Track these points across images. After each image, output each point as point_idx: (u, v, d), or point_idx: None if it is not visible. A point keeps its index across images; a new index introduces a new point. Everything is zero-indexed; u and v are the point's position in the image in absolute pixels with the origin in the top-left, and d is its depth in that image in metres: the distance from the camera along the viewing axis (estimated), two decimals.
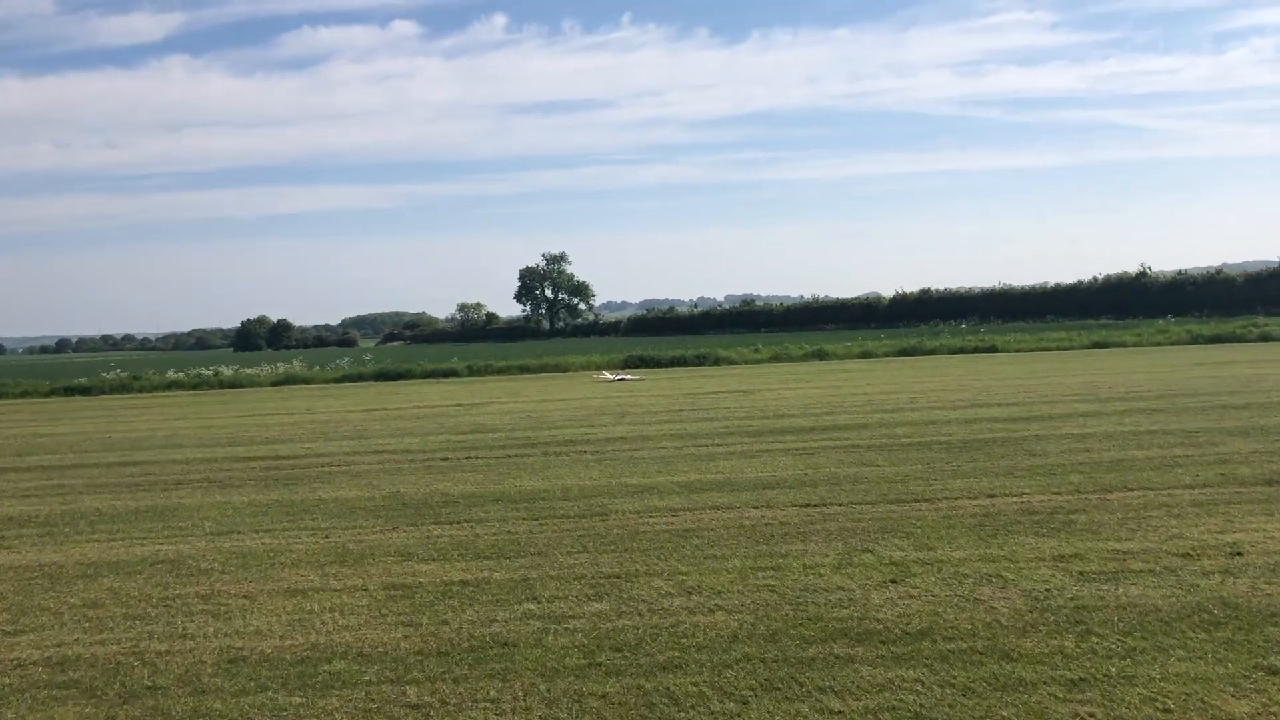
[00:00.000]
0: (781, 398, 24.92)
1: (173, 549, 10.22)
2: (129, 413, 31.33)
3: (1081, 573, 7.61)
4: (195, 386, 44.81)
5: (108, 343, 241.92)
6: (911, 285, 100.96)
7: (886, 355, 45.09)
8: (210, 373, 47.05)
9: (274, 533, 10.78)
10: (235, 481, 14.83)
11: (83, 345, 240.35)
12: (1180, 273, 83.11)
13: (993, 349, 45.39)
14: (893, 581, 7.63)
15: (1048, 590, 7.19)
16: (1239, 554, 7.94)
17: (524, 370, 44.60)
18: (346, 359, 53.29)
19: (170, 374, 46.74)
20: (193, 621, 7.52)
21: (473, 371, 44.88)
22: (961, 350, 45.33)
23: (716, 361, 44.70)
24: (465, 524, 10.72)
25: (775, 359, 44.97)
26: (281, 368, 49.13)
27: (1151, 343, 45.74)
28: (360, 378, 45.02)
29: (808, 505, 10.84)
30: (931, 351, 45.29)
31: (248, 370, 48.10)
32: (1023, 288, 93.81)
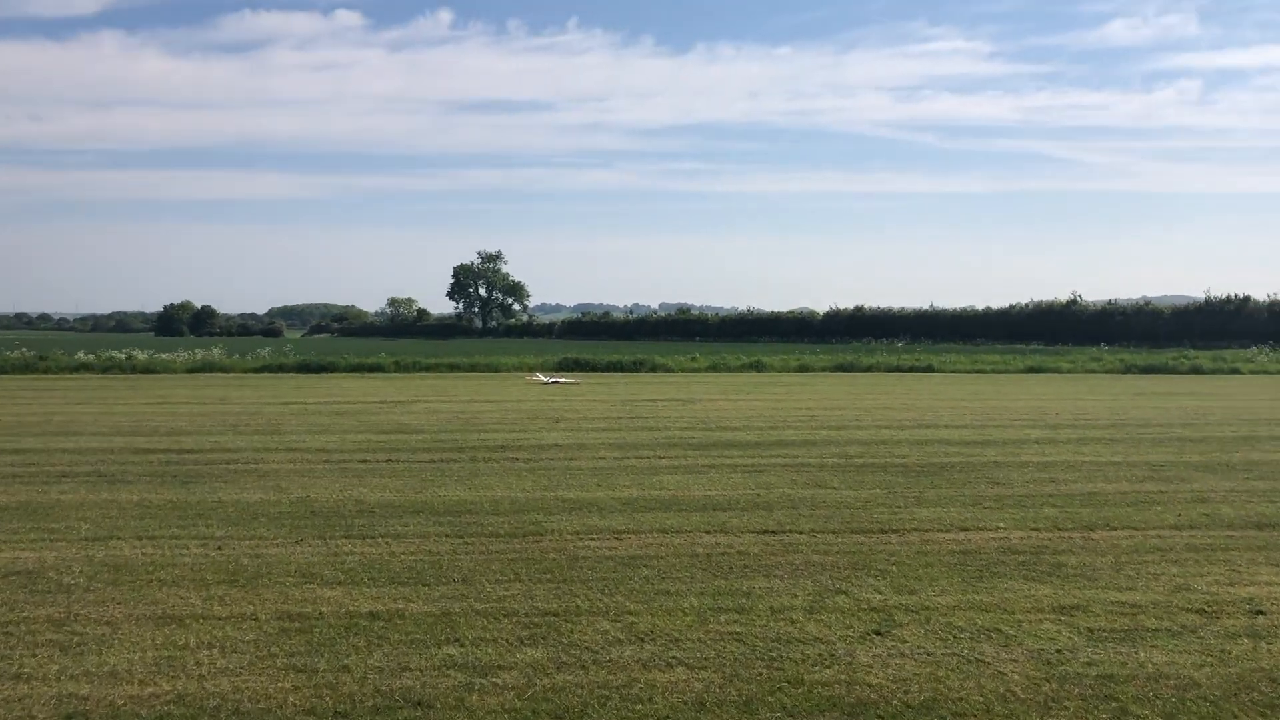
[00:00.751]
0: (722, 409, 23.93)
1: (35, 556, 8.79)
2: (26, 394, 29.22)
3: (1091, 630, 6.64)
4: (106, 370, 42.47)
5: (22, 320, 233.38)
6: (843, 302, 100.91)
7: (824, 370, 44.48)
8: (123, 355, 44.73)
9: (159, 540, 9.40)
10: (128, 476, 13.33)
11: None
12: (1110, 302, 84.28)
13: (929, 368, 45.04)
14: (877, 633, 6.58)
15: (1059, 652, 6.20)
16: (1260, 613, 7.06)
17: (454, 369, 43.10)
18: (268, 349, 51.17)
19: (79, 355, 44.27)
20: (34, 656, 6.18)
21: (400, 368, 43.23)
22: (898, 369, 44.89)
23: (654, 368, 43.65)
24: (380, 539, 9.45)
25: (713, 369, 44.07)
26: (199, 354, 46.90)
27: (1085, 369, 45.78)
28: (281, 369, 43.09)
29: (766, 532, 9.77)
30: (868, 368, 44.81)
31: (163, 355, 45.86)
32: (954, 310, 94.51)
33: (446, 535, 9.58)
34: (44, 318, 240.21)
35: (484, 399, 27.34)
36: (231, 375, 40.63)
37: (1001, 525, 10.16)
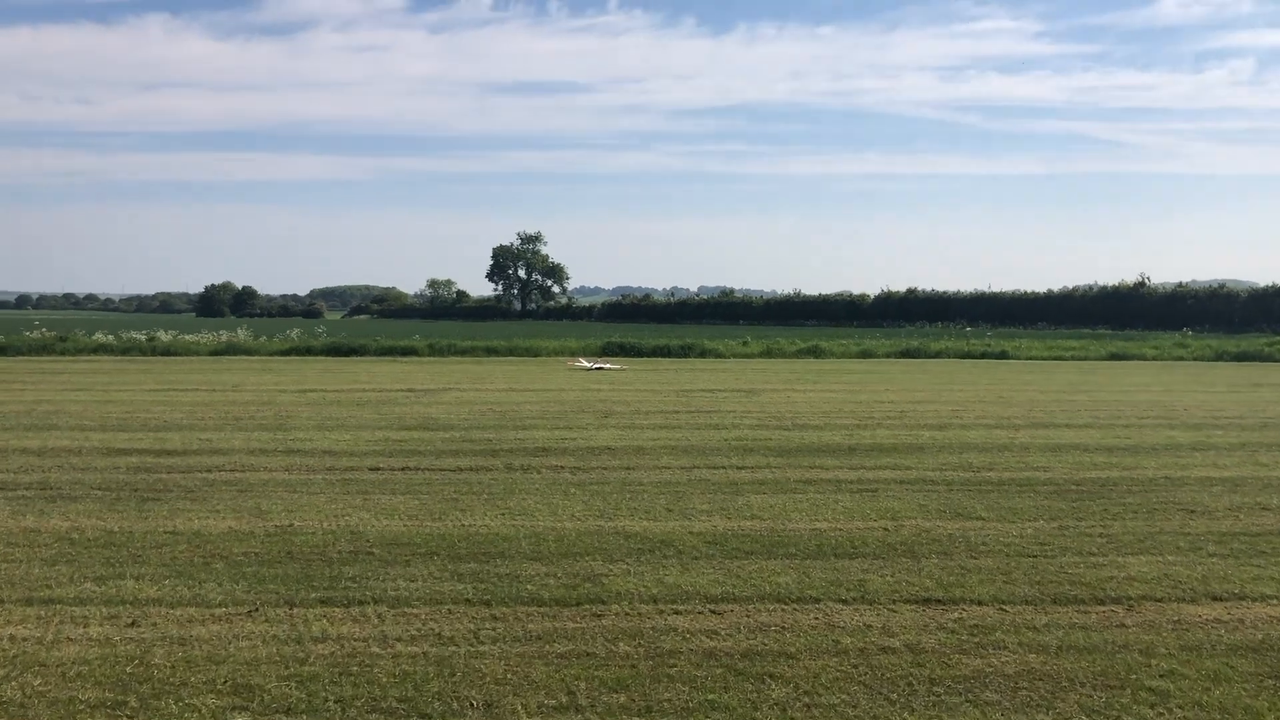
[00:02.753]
0: (792, 402, 20.93)
1: None
2: (30, 378, 26.84)
3: None
4: (124, 352, 40.22)
5: (70, 301, 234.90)
6: (890, 284, 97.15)
7: (887, 355, 41.27)
8: (143, 337, 42.47)
9: (55, 607, 6.63)
10: (76, 491, 10.63)
11: (44, 303, 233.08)
12: (1181, 285, 79.96)
13: (1003, 354, 41.70)
14: None
15: None
16: None
17: (491, 352, 40.37)
18: (296, 330, 48.80)
19: (97, 336, 42.07)
20: None
21: (434, 351, 40.58)
22: (968, 354, 41.58)
23: (703, 353, 40.66)
24: (370, 607, 6.62)
25: (767, 354, 41.00)
26: (225, 336, 44.58)
27: (1172, 356, 42.22)
28: (309, 351, 40.62)
29: (931, 602, 6.82)
30: (936, 354, 41.54)
31: (187, 337, 43.56)
32: (1012, 293, 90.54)
33: (466, 602, 6.71)
34: (90, 298, 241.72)
35: (523, 387, 24.53)
36: (255, 358, 38.18)
37: (1266, 591, 7.12)
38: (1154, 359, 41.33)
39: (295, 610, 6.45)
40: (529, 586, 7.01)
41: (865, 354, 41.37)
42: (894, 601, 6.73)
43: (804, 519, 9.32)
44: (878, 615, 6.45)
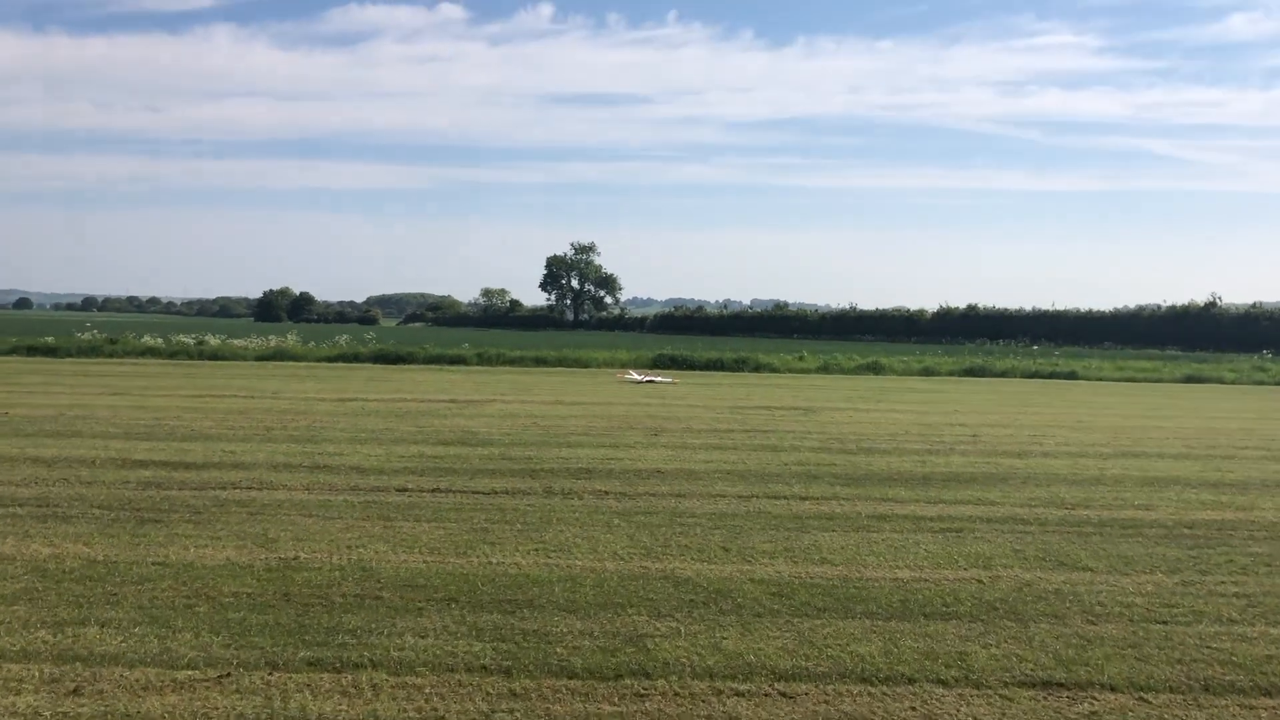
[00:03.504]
0: (855, 422, 19.60)
1: None
2: (71, 381, 26.34)
3: None
4: (172, 355, 39.92)
5: (133, 304, 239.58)
6: (946, 301, 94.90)
7: (950, 374, 39.63)
8: (191, 340, 42.17)
9: None
10: (75, 509, 9.70)
11: (109, 305, 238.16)
12: (1255, 305, 76.89)
13: (1072, 375, 39.86)
14: None
15: None
16: None
17: (540, 363, 39.39)
18: (345, 336, 48.28)
19: (145, 339, 41.82)
20: None
21: (482, 360, 39.73)
22: (1036, 374, 39.79)
23: (757, 368, 39.32)
24: (366, 674, 5.53)
25: (824, 369, 39.56)
26: (273, 341, 44.14)
27: (1251, 380, 40.05)
28: (356, 358, 39.98)
29: (1052, 687, 5.56)
30: (1002, 374, 39.82)
31: (235, 341, 43.18)
32: (1077, 311, 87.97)
33: (482, 670, 5.58)
34: (153, 301, 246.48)
35: (570, 400, 23.45)
36: (301, 364, 37.58)
37: None
38: (1232, 382, 39.24)
39: (276, 675, 5.36)
40: (559, 649, 5.86)
41: (927, 372, 39.77)
42: (1006, 684, 5.48)
43: (882, 565, 8.07)
44: (989, 704, 5.20)
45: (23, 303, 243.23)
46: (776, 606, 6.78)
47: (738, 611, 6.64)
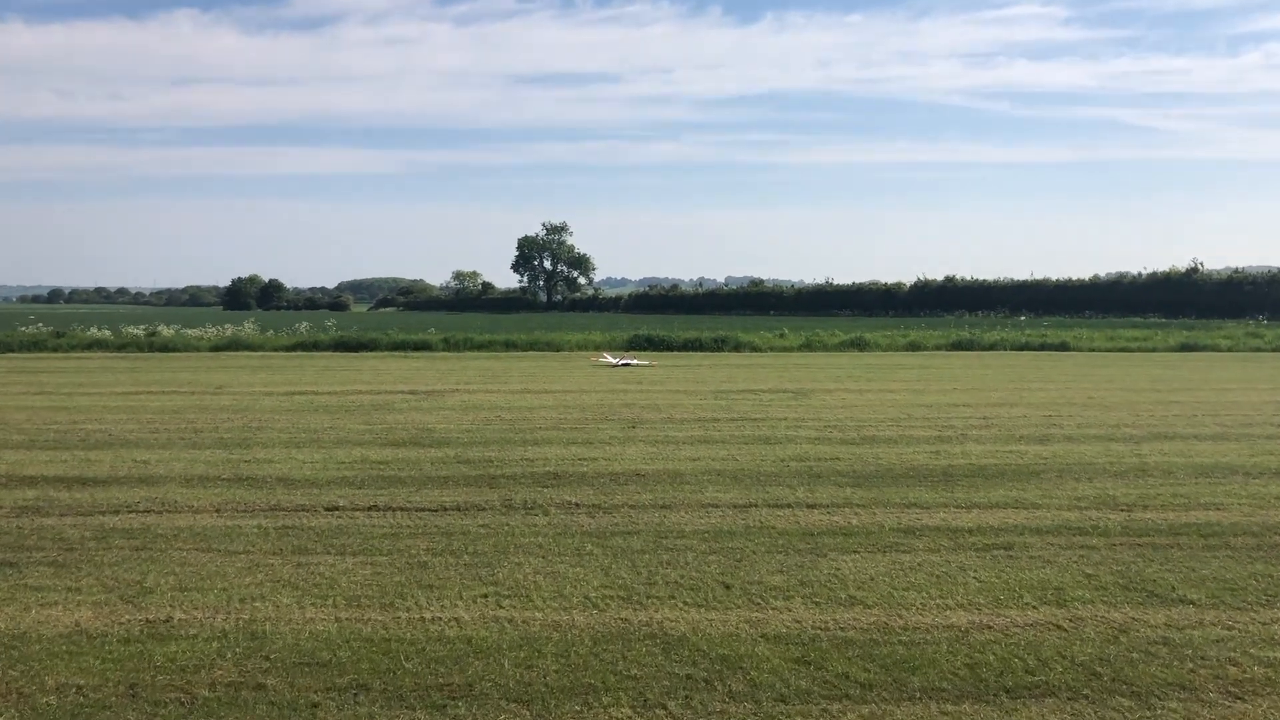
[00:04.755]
0: (850, 405, 17.90)
1: None
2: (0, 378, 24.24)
3: None
4: (121, 348, 37.71)
5: (101, 295, 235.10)
6: (923, 273, 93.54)
7: (938, 348, 38.06)
8: (141, 332, 39.96)
9: None
10: None
11: (76, 296, 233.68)
12: (1237, 271, 75.84)
13: (1063, 346, 38.36)
14: None
15: None
16: None
17: (510, 347, 37.46)
18: (305, 324, 46.13)
19: (92, 332, 39.60)
20: None
21: (449, 346, 37.76)
22: (1026, 346, 38.29)
23: (737, 346, 37.59)
24: None
25: (807, 347, 37.89)
26: (230, 330, 42.00)
27: (1248, 347, 38.73)
28: (315, 346, 37.94)
29: None
30: (990, 346, 38.31)
31: (189, 331, 41.04)
32: (1057, 281, 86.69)
33: None
34: (121, 291, 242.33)
35: (540, 388, 21.62)
36: (256, 354, 35.50)
37: None
38: (1228, 350, 37.91)
39: None
40: None
41: (913, 346, 38.16)
42: None
43: (928, 604, 6.34)
44: None
45: None
46: (804, 684, 5.02)
47: (753, 695, 4.88)
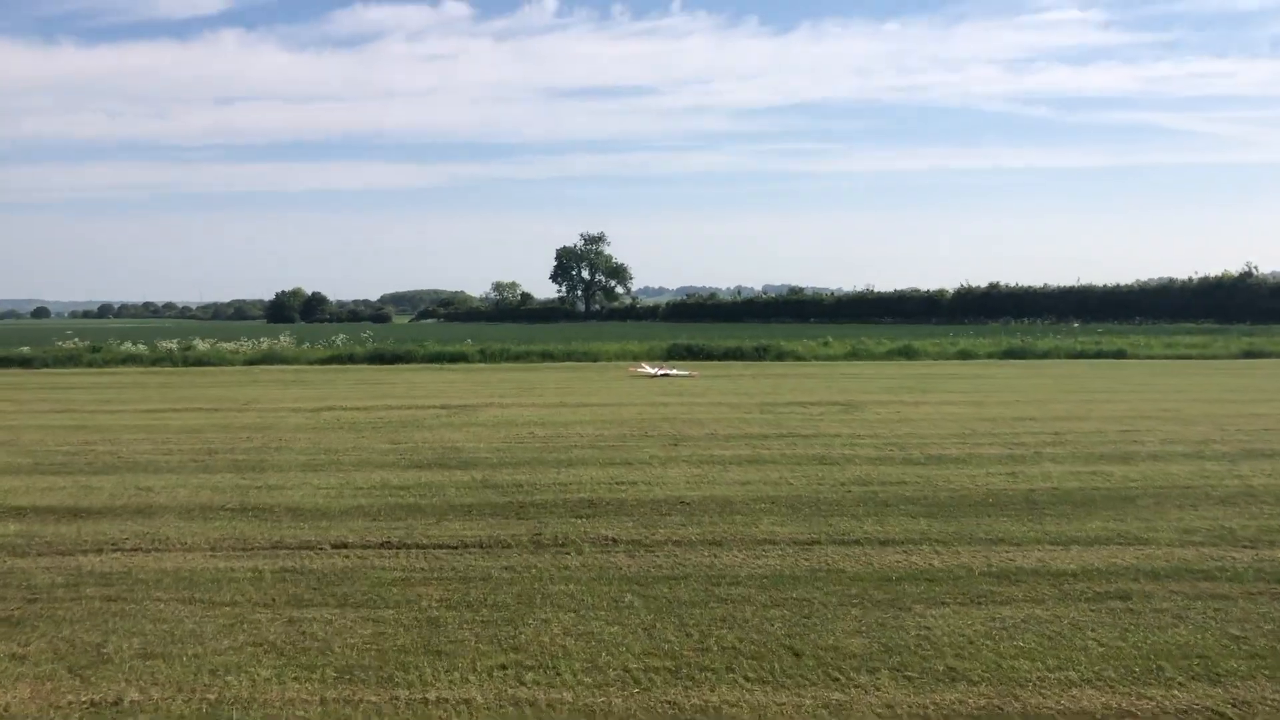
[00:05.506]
0: (907, 419, 16.67)
1: None
2: (29, 394, 23.64)
3: None
4: (155, 362, 37.25)
5: (149, 310, 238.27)
6: (966, 280, 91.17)
7: (989, 357, 36.61)
8: (175, 346, 39.46)
9: None
10: None
11: (125, 311, 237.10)
12: None
13: (1120, 353, 36.76)
14: None
15: None
16: None
17: (546, 357, 36.53)
18: (341, 336, 45.45)
19: (126, 346, 39.17)
20: None
21: (485, 357, 36.87)
22: (1081, 354, 36.70)
23: (780, 355, 36.36)
24: None
25: (854, 355, 36.57)
26: (265, 344, 41.39)
27: None
28: (351, 359, 37.20)
29: None
30: (1044, 354, 36.76)
31: (225, 345, 40.50)
32: (1104, 286, 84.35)
33: None
34: (169, 306, 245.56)
35: (576, 401, 20.56)
36: (290, 368, 34.81)
37: None
38: None
39: None
40: None
41: (964, 355, 36.72)
42: None
43: (1046, 679, 5.16)
44: None
45: (40, 311, 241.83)
46: None
47: None
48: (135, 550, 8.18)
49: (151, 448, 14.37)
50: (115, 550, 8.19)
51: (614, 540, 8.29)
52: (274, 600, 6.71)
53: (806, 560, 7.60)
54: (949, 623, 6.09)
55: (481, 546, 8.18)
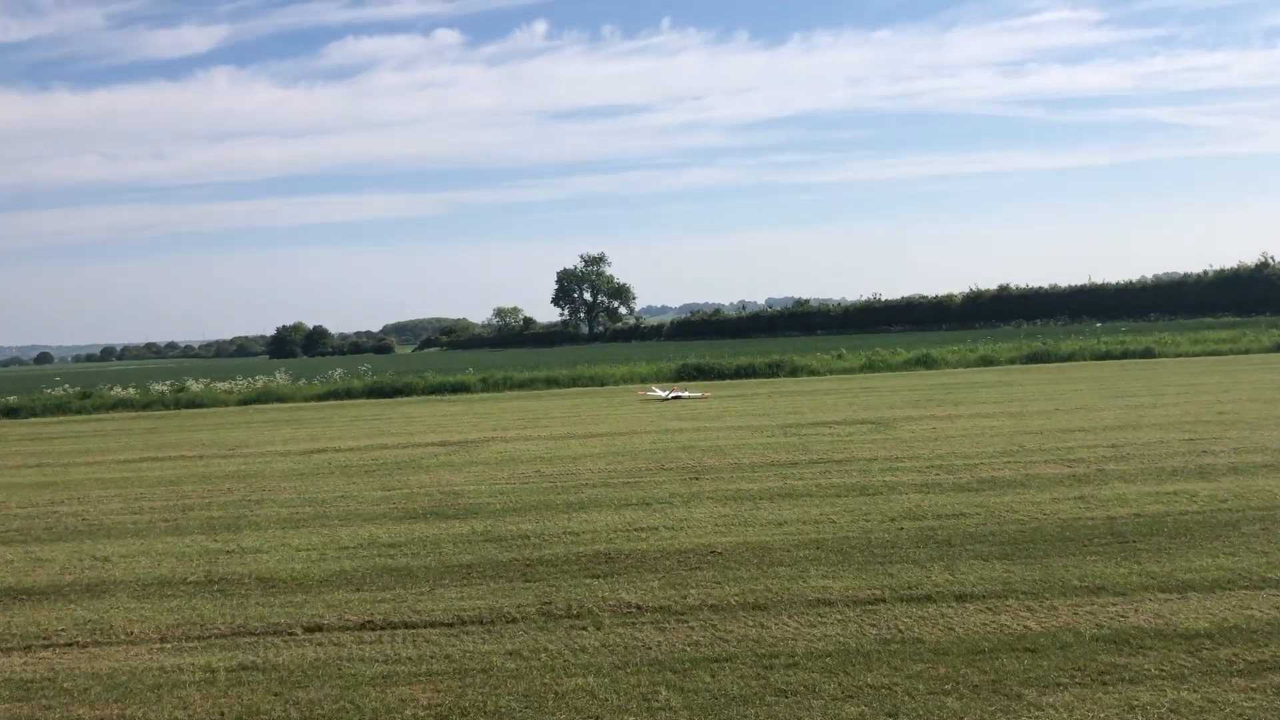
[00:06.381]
0: (945, 437, 15.34)
1: None
2: (5, 447, 22.33)
3: None
4: (146, 406, 36.05)
5: (151, 350, 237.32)
6: (975, 284, 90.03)
7: (1012, 362, 35.28)
8: (167, 388, 38.24)
9: None
10: None
11: (127, 353, 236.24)
12: None
13: (1148, 352, 35.40)
14: None
15: None
16: None
17: (552, 384, 35.23)
18: (339, 370, 44.16)
19: (116, 391, 37.96)
20: None
21: (488, 386, 35.58)
22: (1108, 355, 35.35)
23: (794, 371, 35.02)
24: None
25: (870, 367, 35.21)
26: (260, 381, 40.16)
27: None
28: (349, 394, 35.94)
29: None
30: (1069, 357, 35.41)
31: (219, 385, 39.26)
32: (1118, 284, 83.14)
33: None
34: (171, 346, 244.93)
35: (585, 431, 19.26)
36: (285, 406, 33.55)
37: None
38: None
39: None
40: None
41: (986, 361, 35.38)
42: None
43: None
44: None
45: (43, 357, 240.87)
46: None
47: None
48: (71, 645, 6.87)
49: (121, 506, 13.09)
50: (46, 646, 6.87)
51: (638, 607, 6.97)
52: (222, 715, 5.39)
53: (873, 626, 6.27)
54: (1074, 716, 4.74)
55: (481, 622, 6.86)
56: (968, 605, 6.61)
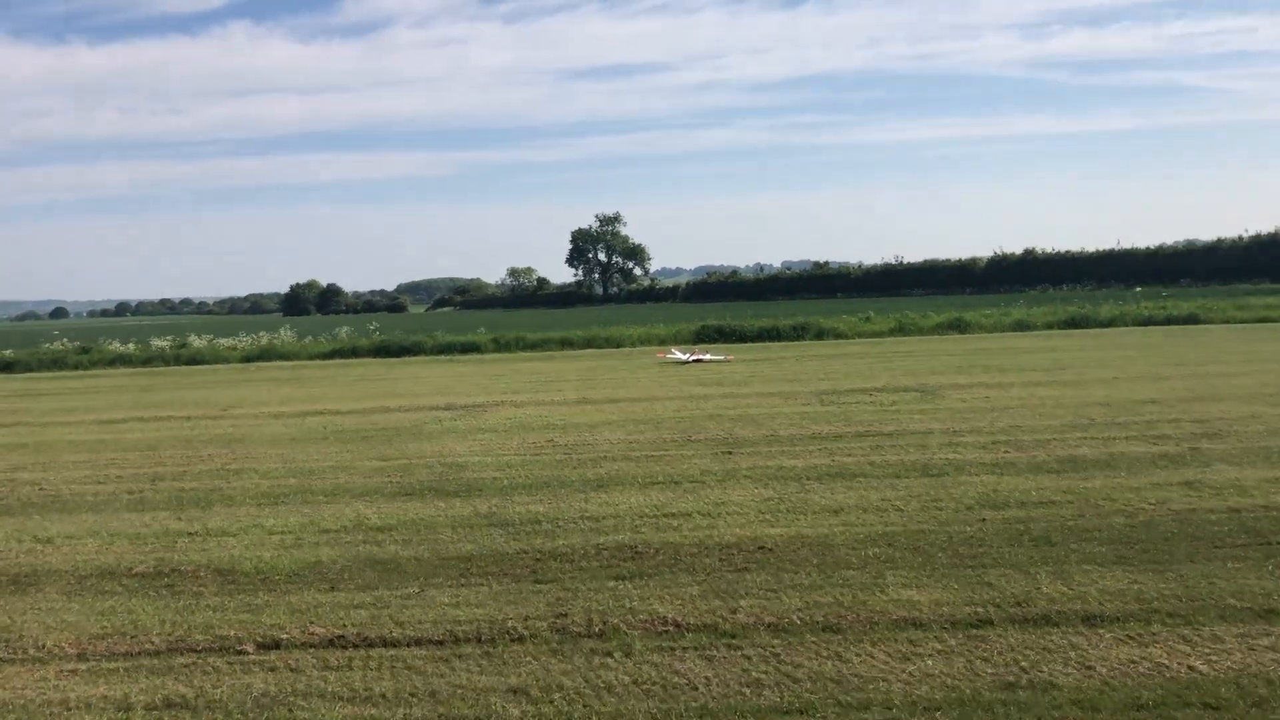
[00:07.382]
0: (1001, 408, 13.83)
1: None
2: None
3: None
4: (146, 362, 34.77)
5: (165, 306, 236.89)
6: (1000, 247, 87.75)
7: (1048, 327, 33.62)
8: (166, 344, 36.93)
9: None
10: None
11: (142, 309, 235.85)
12: None
13: (1192, 318, 33.67)
14: None
15: None
16: None
17: (566, 344, 33.72)
18: (346, 329, 42.71)
19: (115, 346, 36.67)
20: None
21: (499, 346, 34.08)
22: (1150, 321, 33.62)
23: (820, 334, 33.39)
24: None
25: (900, 330, 33.58)
26: (264, 338, 38.76)
27: None
28: (354, 353, 34.55)
29: None
30: (1109, 322, 33.68)
31: (221, 341, 37.90)
32: (1148, 248, 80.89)
33: None
34: (186, 302, 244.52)
35: (602, 396, 17.80)
36: (288, 365, 32.20)
37: None
38: None
39: None
40: None
41: (1021, 326, 33.72)
42: None
43: None
44: None
45: (58, 311, 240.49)
46: None
47: None
48: None
49: (87, 474, 11.73)
50: None
51: (676, 625, 5.52)
52: None
53: (985, 661, 4.80)
54: None
55: (479, 641, 5.42)
56: (1101, 632, 5.13)
